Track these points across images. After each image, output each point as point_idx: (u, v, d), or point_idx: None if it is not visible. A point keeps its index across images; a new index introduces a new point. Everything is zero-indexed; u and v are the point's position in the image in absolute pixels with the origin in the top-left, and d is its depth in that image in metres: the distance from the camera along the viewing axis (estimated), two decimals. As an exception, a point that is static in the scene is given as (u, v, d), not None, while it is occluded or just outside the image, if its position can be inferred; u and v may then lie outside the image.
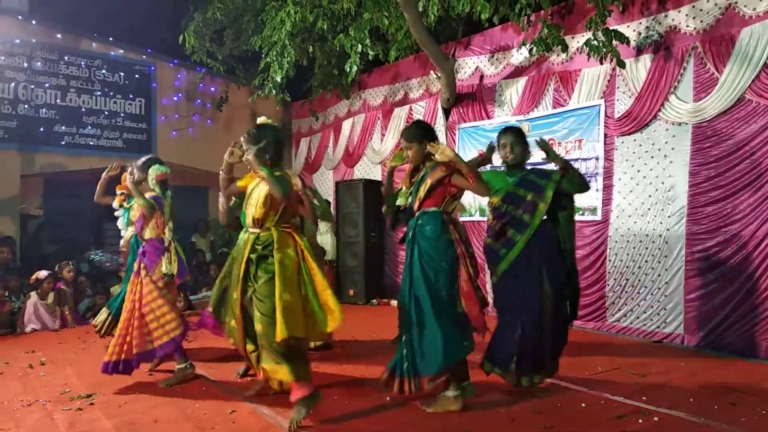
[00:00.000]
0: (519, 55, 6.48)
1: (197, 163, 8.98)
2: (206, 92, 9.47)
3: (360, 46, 6.38)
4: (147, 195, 4.24)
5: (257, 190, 3.36)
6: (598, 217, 5.73)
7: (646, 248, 5.35)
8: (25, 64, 7.76)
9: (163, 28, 8.70)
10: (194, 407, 3.53)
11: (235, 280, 3.35)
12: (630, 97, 5.51)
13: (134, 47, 8.79)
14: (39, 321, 6.35)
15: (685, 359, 4.54)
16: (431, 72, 7.38)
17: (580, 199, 5.77)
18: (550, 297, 3.55)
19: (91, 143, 8.32)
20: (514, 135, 3.75)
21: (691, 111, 5.02)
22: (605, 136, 5.69)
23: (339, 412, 3.41)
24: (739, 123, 4.74)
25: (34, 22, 7.85)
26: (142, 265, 4.13)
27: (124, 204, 4.97)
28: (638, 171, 5.45)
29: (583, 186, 3.74)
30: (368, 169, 8.58)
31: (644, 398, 3.51)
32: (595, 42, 5.12)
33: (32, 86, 7.80)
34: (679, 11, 5.13)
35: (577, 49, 5.81)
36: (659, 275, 5.26)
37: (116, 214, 5.15)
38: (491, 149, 3.90)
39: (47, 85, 7.93)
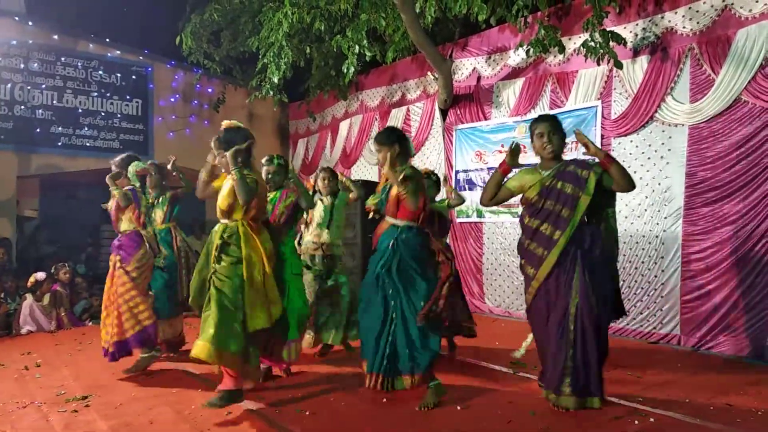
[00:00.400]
0: (516, 57, 6.49)
1: (194, 164, 8.82)
2: (203, 93, 9.47)
3: (357, 47, 6.38)
4: (126, 187, 4.46)
5: (227, 184, 3.57)
6: (595, 218, 5.73)
7: (643, 249, 5.36)
8: (22, 65, 7.74)
9: (161, 29, 8.68)
10: (191, 408, 3.52)
11: (208, 264, 3.55)
12: (627, 98, 5.52)
13: (131, 48, 8.79)
14: (34, 323, 6.33)
15: (682, 360, 4.55)
16: (428, 73, 7.39)
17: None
18: (592, 303, 3.16)
19: (88, 144, 8.31)
20: (550, 123, 3.36)
21: (687, 112, 5.03)
22: (602, 137, 5.70)
23: (336, 412, 3.41)
24: (735, 124, 4.75)
25: (30, 23, 7.84)
26: (117, 258, 4.31)
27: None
28: (635, 172, 5.45)
29: (629, 183, 3.25)
30: (365, 170, 8.58)
31: (640, 399, 3.51)
32: (592, 43, 5.13)
33: (29, 87, 7.79)
34: (676, 12, 5.15)
35: (574, 50, 5.82)
36: (656, 276, 5.26)
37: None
38: (516, 151, 3.49)
39: (44, 86, 7.92)
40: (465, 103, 7.11)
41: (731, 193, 4.75)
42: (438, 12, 6.13)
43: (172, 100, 9.20)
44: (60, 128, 8.06)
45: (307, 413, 3.38)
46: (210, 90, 9.46)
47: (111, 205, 4.52)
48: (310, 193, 4.76)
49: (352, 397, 3.71)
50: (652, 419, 3.19)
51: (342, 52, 6.66)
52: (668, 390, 3.75)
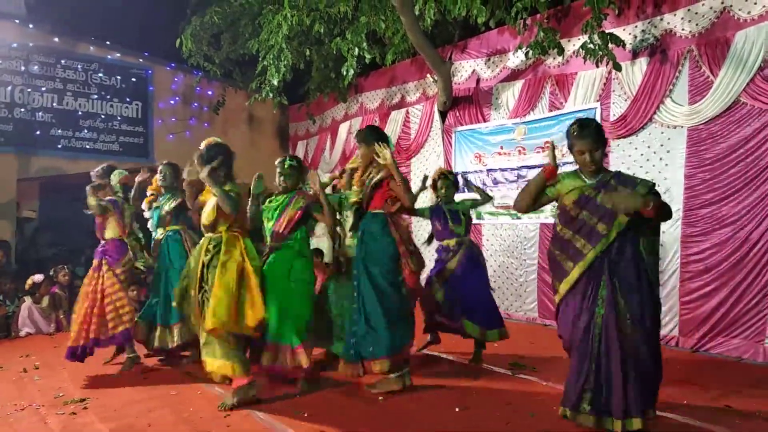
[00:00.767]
0: (515, 59, 6.50)
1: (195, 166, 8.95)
2: (203, 96, 9.48)
3: (357, 49, 6.40)
4: (107, 198, 4.68)
5: (211, 199, 3.70)
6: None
7: (642, 251, 5.35)
8: (22, 68, 7.76)
9: (161, 31, 8.69)
10: (189, 411, 3.51)
11: (193, 280, 3.67)
12: (626, 100, 5.52)
13: (131, 51, 8.80)
14: (33, 325, 6.33)
15: (681, 361, 4.54)
16: (428, 75, 7.40)
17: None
18: (626, 323, 2.86)
19: (88, 147, 8.32)
20: (591, 141, 2.96)
21: (686, 114, 5.04)
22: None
23: (335, 412, 3.40)
24: (733, 126, 4.75)
25: (31, 25, 7.85)
26: (103, 261, 4.56)
27: (154, 203, 5.03)
28: (634, 174, 5.44)
29: (667, 214, 2.96)
30: (365, 173, 8.57)
31: (640, 401, 3.50)
32: (591, 45, 5.13)
33: (29, 90, 7.80)
34: (675, 14, 5.15)
35: (573, 52, 5.83)
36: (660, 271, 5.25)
37: (145, 215, 5.14)
38: (554, 150, 3.19)
39: (44, 88, 7.93)
40: (464, 105, 7.11)
41: (730, 194, 4.75)
42: (437, 14, 6.14)
43: (172, 102, 9.22)
44: (60, 131, 8.07)
45: (306, 414, 3.38)
46: (210, 92, 9.47)
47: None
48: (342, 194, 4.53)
49: (351, 398, 3.70)
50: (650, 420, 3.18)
51: (341, 54, 6.67)
52: (666, 391, 3.72)
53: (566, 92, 6.03)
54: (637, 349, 2.84)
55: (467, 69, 7.08)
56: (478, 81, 6.98)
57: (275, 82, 7.08)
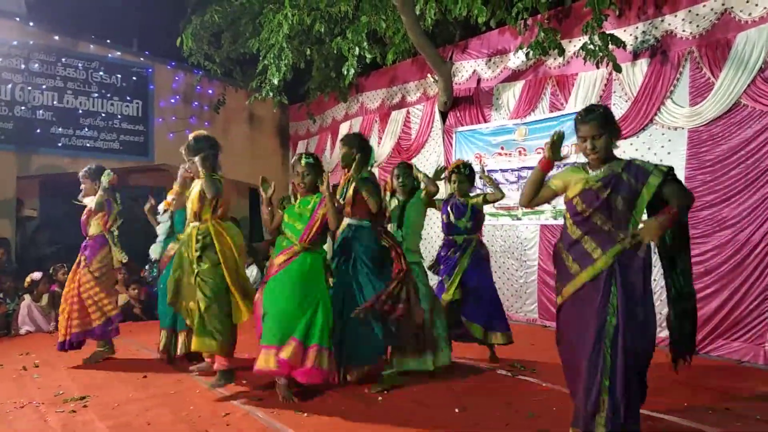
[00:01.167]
0: (516, 59, 6.50)
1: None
2: (204, 95, 9.48)
3: (357, 49, 6.40)
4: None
5: (195, 188, 3.97)
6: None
7: (642, 252, 5.35)
8: (23, 66, 7.75)
9: (161, 30, 8.69)
10: (188, 410, 3.51)
11: (188, 267, 3.89)
12: (626, 101, 5.52)
13: (132, 49, 8.80)
14: (33, 323, 6.33)
15: (680, 364, 4.53)
16: (428, 75, 7.40)
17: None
18: (621, 333, 2.56)
19: (88, 145, 8.32)
20: (594, 125, 2.67)
21: (687, 115, 5.04)
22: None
23: (335, 413, 3.40)
24: (734, 128, 4.75)
25: (31, 23, 7.85)
26: (82, 258, 4.76)
27: (170, 208, 4.90)
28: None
29: (688, 198, 2.71)
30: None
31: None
32: (592, 46, 5.13)
33: (29, 88, 7.80)
34: (676, 16, 5.15)
35: (574, 53, 5.83)
36: (654, 279, 5.23)
37: (159, 218, 5.03)
38: (558, 143, 2.78)
39: (44, 86, 7.93)
40: (465, 105, 7.11)
41: (730, 196, 4.75)
42: (438, 14, 6.14)
43: (173, 101, 9.21)
44: (60, 129, 8.07)
45: (305, 414, 3.38)
46: (210, 91, 9.47)
47: (86, 201, 4.92)
48: (387, 196, 4.40)
49: (351, 399, 3.70)
50: (649, 422, 3.18)
51: (342, 54, 6.67)
52: (667, 394, 3.74)
53: (567, 93, 6.03)
54: (641, 366, 2.61)
55: (468, 69, 7.08)
56: (478, 81, 6.98)
57: (276, 82, 7.08)
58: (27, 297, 6.39)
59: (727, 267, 4.74)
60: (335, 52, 6.97)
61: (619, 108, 5.58)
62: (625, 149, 5.54)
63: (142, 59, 8.90)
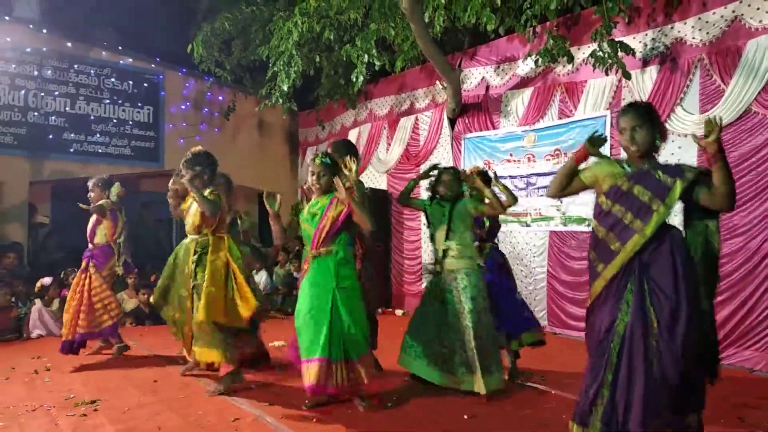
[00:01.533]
0: (525, 66, 6.50)
1: (204, 171, 9.01)
2: (214, 101, 9.55)
3: (366, 56, 6.43)
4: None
5: (193, 204, 4.05)
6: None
7: (652, 260, 5.32)
8: (36, 72, 7.85)
9: (172, 37, 8.78)
10: (198, 415, 3.53)
11: (184, 278, 4.03)
12: (636, 108, 5.50)
13: (143, 56, 8.89)
14: (44, 327, 6.38)
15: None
16: (437, 82, 7.42)
17: (582, 209, 5.80)
18: (654, 334, 2.46)
19: (100, 151, 8.39)
20: (634, 116, 2.61)
21: (697, 123, 5.01)
22: (611, 147, 5.68)
23: (342, 418, 3.40)
24: (745, 135, 4.73)
25: (45, 30, 7.95)
26: (91, 263, 5.00)
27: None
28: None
29: (731, 199, 2.56)
30: (373, 179, 8.60)
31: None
32: (601, 53, 5.13)
33: (42, 94, 7.89)
34: (685, 23, 5.15)
35: (583, 60, 5.83)
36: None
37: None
38: (597, 142, 2.82)
39: (57, 93, 8.02)
40: (473, 112, 7.12)
41: (741, 204, 4.71)
42: (447, 21, 6.16)
43: (183, 107, 9.29)
44: (72, 135, 8.14)
45: (314, 420, 3.39)
46: (221, 98, 9.54)
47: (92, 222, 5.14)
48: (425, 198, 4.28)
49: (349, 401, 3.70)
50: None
51: (351, 61, 6.70)
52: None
53: (576, 100, 6.03)
54: (665, 369, 2.43)
55: (476, 76, 7.09)
56: (487, 88, 6.99)
57: (285, 88, 7.13)
58: (38, 302, 6.44)
59: (738, 275, 4.71)
60: (344, 59, 7.01)
61: (628, 115, 5.57)
62: (634, 156, 5.53)
63: (153, 66, 8.98)
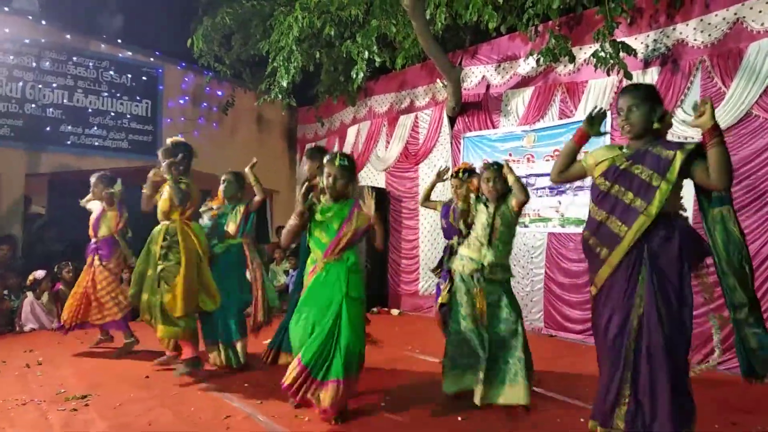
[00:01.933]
0: (526, 65, 6.47)
1: (202, 166, 8.77)
2: (213, 96, 9.50)
3: (367, 52, 6.39)
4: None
5: (165, 191, 4.19)
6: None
7: (650, 262, 5.30)
8: (34, 64, 7.79)
9: (172, 31, 8.73)
10: (189, 411, 3.50)
11: (153, 261, 4.14)
12: (636, 109, 5.48)
13: (142, 49, 8.84)
14: (36, 320, 6.35)
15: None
16: (437, 80, 7.39)
17: (580, 211, 5.77)
18: (648, 325, 2.41)
19: (97, 144, 8.34)
20: (630, 96, 2.56)
21: (697, 125, 4.99)
22: (612, 140, 5.66)
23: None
24: (745, 138, 4.70)
25: (43, 22, 7.89)
26: (96, 257, 5.07)
27: (207, 213, 4.79)
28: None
29: (727, 177, 2.36)
30: (372, 177, 8.57)
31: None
32: (603, 53, 5.10)
33: (40, 86, 7.84)
34: (687, 25, 5.12)
35: (585, 60, 5.80)
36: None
37: (201, 222, 4.69)
38: (597, 119, 2.77)
39: (55, 85, 7.97)
40: (473, 111, 7.09)
41: (741, 207, 4.69)
42: (448, 19, 6.12)
43: (182, 101, 9.24)
44: (70, 127, 8.09)
45: (306, 419, 3.36)
46: (219, 93, 9.49)
47: (89, 206, 5.23)
48: (473, 198, 3.87)
49: (351, 403, 3.67)
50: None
51: (351, 57, 6.66)
52: (673, 406, 3.70)
53: (577, 100, 6.00)
54: (672, 353, 2.38)
55: (477, 75, 7.06)
56: (487, 87, 6.95)
57: (284, 84, 7.08)
58: (29, 294, 6.40)
59: (735, 279, 4.68)
60: (344, 55, 6.97)
61: (628, 116, 5.54)
62: (634, 158, 5.51)
63: (152, 59, 8.93)
